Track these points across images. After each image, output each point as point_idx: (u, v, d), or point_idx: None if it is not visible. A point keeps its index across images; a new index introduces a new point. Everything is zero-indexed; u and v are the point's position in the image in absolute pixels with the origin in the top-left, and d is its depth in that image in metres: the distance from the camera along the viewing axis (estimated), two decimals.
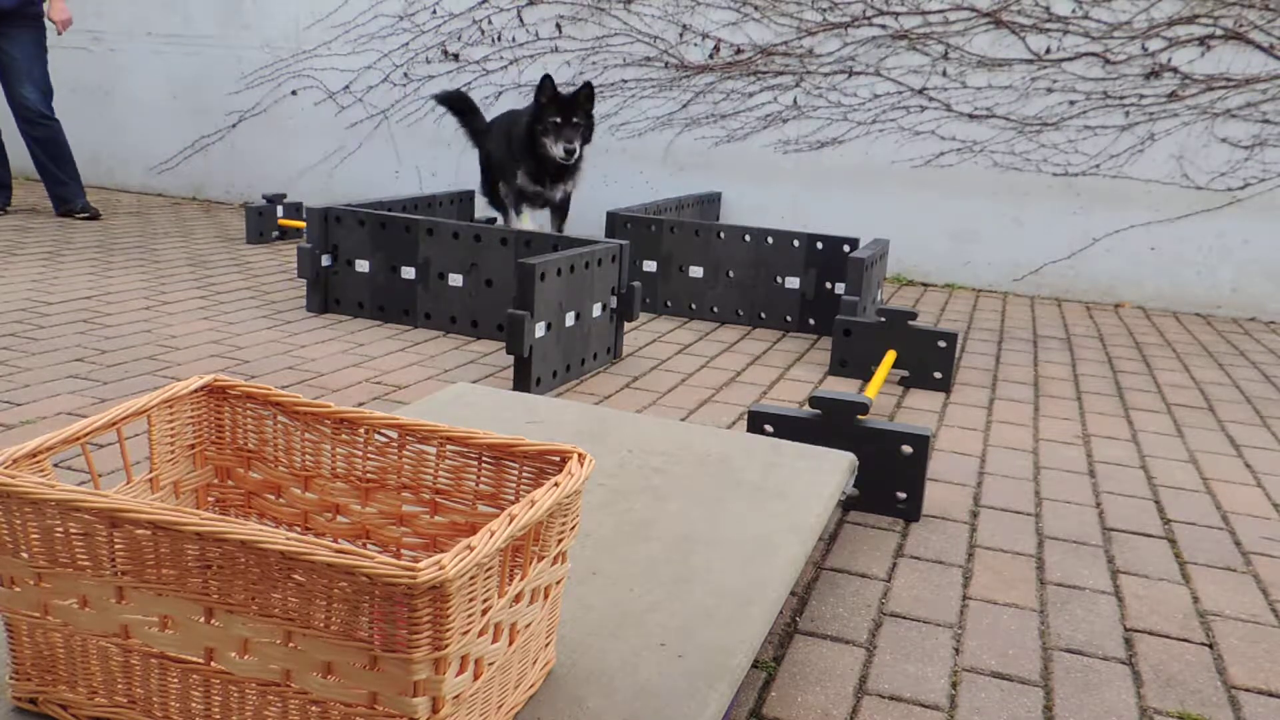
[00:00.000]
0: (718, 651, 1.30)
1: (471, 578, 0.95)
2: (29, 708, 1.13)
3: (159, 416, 1.34)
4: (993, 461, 2.62)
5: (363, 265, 3.79)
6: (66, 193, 5.70)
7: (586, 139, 4.49)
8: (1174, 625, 1.79)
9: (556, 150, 4.36)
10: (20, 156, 6.18)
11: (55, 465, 1.17)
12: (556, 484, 1.09)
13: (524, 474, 1.27)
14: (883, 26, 5.26)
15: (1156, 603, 1.87)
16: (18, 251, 4.70)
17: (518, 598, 1.08)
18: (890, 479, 2.16)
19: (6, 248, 4.77)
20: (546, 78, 4.33)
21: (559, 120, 4.36)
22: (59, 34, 5.47)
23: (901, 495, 2.17)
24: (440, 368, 3.21)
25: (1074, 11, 4.98)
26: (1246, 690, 1.60)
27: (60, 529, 1.03)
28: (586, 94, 4.36)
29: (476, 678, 1.02)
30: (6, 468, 1.07)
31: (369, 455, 1.35)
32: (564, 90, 4.47)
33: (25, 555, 1.05)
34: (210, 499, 1.43)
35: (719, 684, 1.23)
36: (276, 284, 4.36)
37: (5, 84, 5.43)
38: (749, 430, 2.27)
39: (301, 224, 5.39)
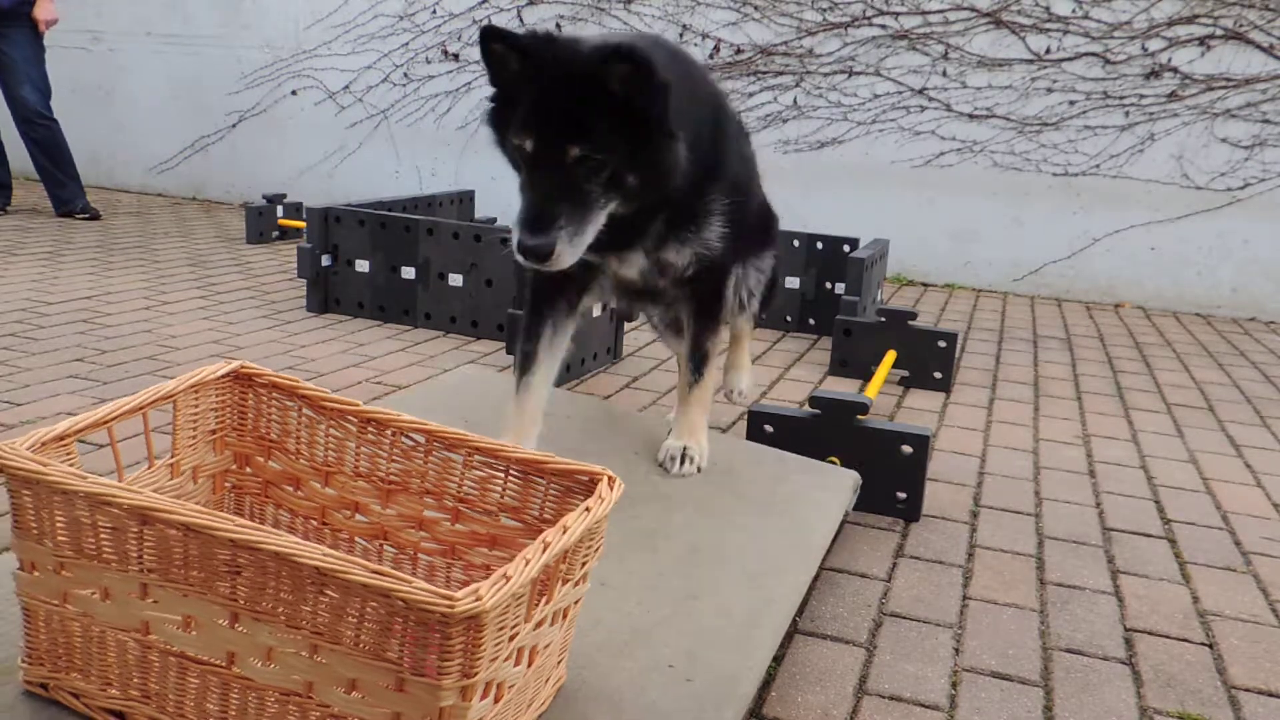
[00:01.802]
0: (725, 678, 1.29)
1: (505, 608, 0.94)
2: (40, 693, 1.13)
3: (185, 401, 1.34)
4: (993, 461, 2.62)
5: (363, 265, 3.79)
6: (66, 193, 5.70)
7: (651, 194, 1.74)
8: (1174, 625, 1.79)
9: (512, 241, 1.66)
10: (20, 158, 6.17)
11: (76, 451, 1.17)
12: (588, 509, 1.07)
13: (550, 491, 1.26)
14: (883, 26, 5.26)
15: (1156, 603, 1.88)
16: (18, 251, 4.70)
17: (541, 622, 1.07)
18: (890, 479, 2.16)
19: (6, 248, 4.77)
20: (489, 31, 1.64)
21: (534, 154, 1.63)
22: (41, 32, 5.44)
23: (901, 495, 2.17)
24: (440, 367, 3.21)
25: (1074, 11, 4.98)
26: (1246, 690, 1.60)
27: (88, 520, 1.02)
28: (625, 78, 1.57)
29: (497, 701, 1.01)
30: (35, 451, 1.06)
31: (394, 457, 1.34)
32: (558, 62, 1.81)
33: (49, 543, 1.05)
34: (227, 485, 1.43)
35: (726, 710, 1.23)
36: (276, 284, 4.36)
37: (4, 85, 5.42)
38: (749, 431, 2.27)
39: (301, 224, 5.39)
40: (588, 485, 1.21)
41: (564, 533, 1.01)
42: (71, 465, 1.09)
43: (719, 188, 1.87)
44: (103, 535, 1.02)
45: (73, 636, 1.09)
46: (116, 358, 3.09)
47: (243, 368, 1.40)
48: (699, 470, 1.98)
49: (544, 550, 0.97)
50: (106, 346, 3.20)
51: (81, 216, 5.74)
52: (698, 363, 2.05)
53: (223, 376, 1.38)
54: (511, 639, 0.98)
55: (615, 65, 1.56)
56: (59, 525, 1.04)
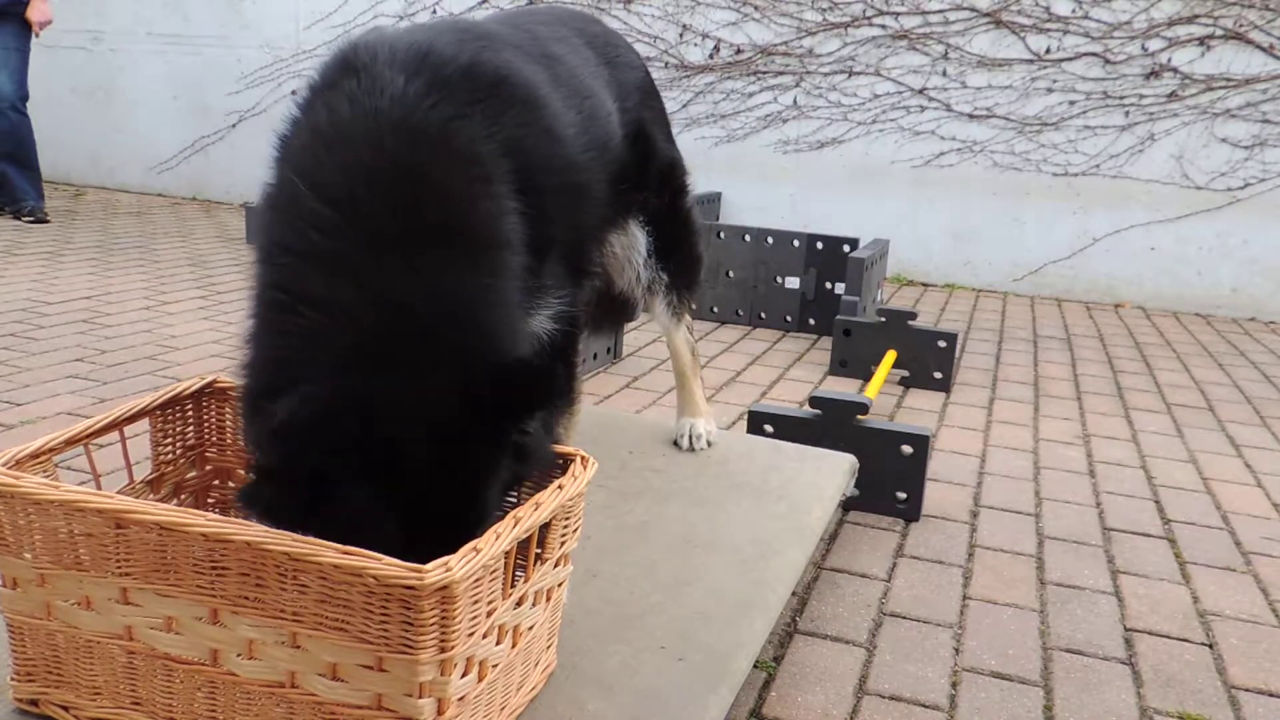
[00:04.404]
0: (718, 655, 1.30)
1: (477, 580, 0.95)
2: (30, 709, 1.13)
3: (161, 417, 1.34)
4: (993, 461, 2.62)
5: None
6: (19, 192, 5.55)
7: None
8: (1174, 625, 1.79)
9: None
10: None
11: (55, 465, 1.17)
12: (560, 486, 1.09)
13: None
14: (883, 26, 5.26)
15: (1156, 603, 1.87)
16: (18, 251, 4.70)
17: (521, 600, 1.08)
18: (890, 479, 2.16)
19: (6, 248, 4.77)
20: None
21: None
22: (36, 35, 5.39)
23: (901, 495, 2.17)
24: None
25: (1074, 11, 4.98)
26: (1246, 690, 1.60)
27: (65, 530, 1.03)
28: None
29: (481, 679, 1.02)
30: (10, 468, 1.07)
31: None
32: None
33: (29, 556, 1.05)
34: (210, 500, 1.43)
35: (720, 688, 1.23)
36: None
37: None
38: (749, 430, 2.27)
39: None
40: (563, 467, 1.21)
41: (536, 509, 1.03)
42: (50, 481, 1.09)
43: (540, 260, 1.30)
44: (80, 544, 1.02)
45: (59, 649, 1.09)
46: (116, 358, 3.09)
47: (216, 381, 1.40)
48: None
49: (515, 525, 0.99)
50: (106, 346, 3.20)
51: (27, 219, 5.53)
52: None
53: (197, 392, 1.38)
54: (489, 615, 0.99)
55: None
56: (37, 538, 1.04)
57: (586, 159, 1.48)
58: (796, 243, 4.02)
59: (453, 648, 0.93)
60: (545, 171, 1.31)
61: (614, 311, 2.05)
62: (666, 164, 1.90)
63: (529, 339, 1.28)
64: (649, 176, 1.82)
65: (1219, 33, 4.83)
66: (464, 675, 0.98)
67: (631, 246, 1.85)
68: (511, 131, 1.25)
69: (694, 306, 2.07)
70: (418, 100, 1.16)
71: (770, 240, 4.05)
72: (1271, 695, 1.59)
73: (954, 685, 1.56)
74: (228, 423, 1.41)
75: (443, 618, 0.91)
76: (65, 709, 1.11)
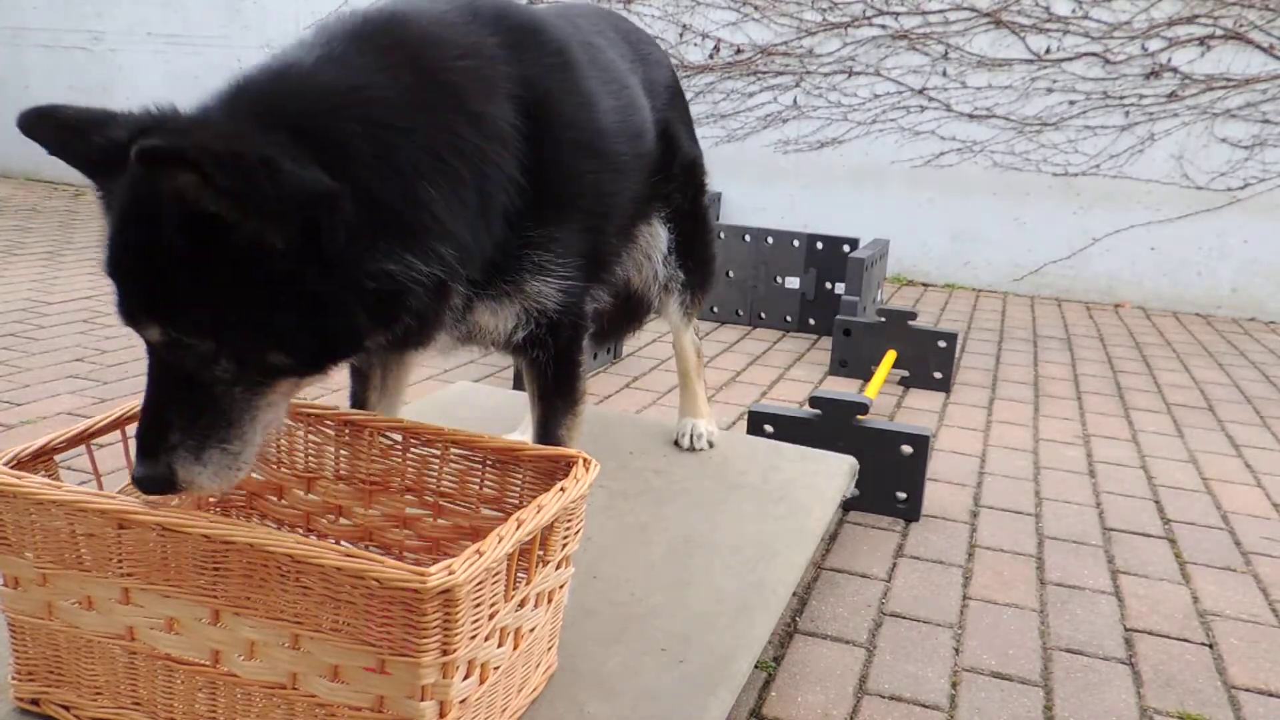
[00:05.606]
0: (719, 657, 1.30)
1: (479, 583, 0.94)
2: (31, 708, 1.13)
3: None
4: (993, 461, 2.62)
5: None
6: None
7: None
8: (1174, 625, 1.79)
9: None
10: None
11: (57, 464, 1.17)
12: (562, 489, 1.09)
13: (528, 478, 1.27)
14: (883, 26, 5.26)
15: (1156, 603, 1.88)
16: (18, 251, 4.70)
17: (523, 602, 1.08)
18: (890, 479, 2.16)
19: (6, 248, 4.77)
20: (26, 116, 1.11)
21: (125, 321, 1.03)
22: None
23: (901, 495, 2.17)
24: (440, 367, 3.21)
25: (1074, 11, 4.98)
26: (1246, 690, 1.60)
27: (66, 530, 1.03)
28: (202, 200, 0.92)
29: (482, 681, 1.02)
30: (12, 468, 1.07)
31: (373, 458, 1.34)
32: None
33: (30, 556, 1.05)
34: (212, 500, 1.43)
35: (720, 690, 1.23)
36: None
37: None
38: (749, 430, 2.27)
39: None
40: (565, 470, 1.21)
41: (538, 511, 1.03)
42: (51, 481, 1.09)
43: (549, 217, 1.27)
44: (81, 544, 1.02)
45: (60, 649, 1.09)
46: (116, 358, 3.09)
47: None
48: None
49: (518, 527, 0.99)
50: (106, 346, 3.20)
51: None
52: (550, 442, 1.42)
53: None
54: (491, 617, 0.99)
55: (172, 180, 0.90)
56: (39, 538, 1.04)
57: (620, 134, 1.46)
58: (796, 243, 4.02)
59: (455, 650, 0.93)
60: (566, 126, 1.30)
61: (628, 312, 2.07)
62: (690, 162, 1.92)
63: (491, 243, 1.19)
64: (672, 173, 1.84)
65: (1219, 33, 4.83)
66: (466, 677, 0.98)
67: (653, 243, 1.87)
68: (532, 71, 1.26)
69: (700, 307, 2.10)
70: (444, 16, 1.23)
71: (770, 240, 4.05)
72: (1271, 695, 1.59)
73: (954, 685, 1.56)
74: None
75: (445, 620, 0.91)
76: (66, 708, 1.11)
